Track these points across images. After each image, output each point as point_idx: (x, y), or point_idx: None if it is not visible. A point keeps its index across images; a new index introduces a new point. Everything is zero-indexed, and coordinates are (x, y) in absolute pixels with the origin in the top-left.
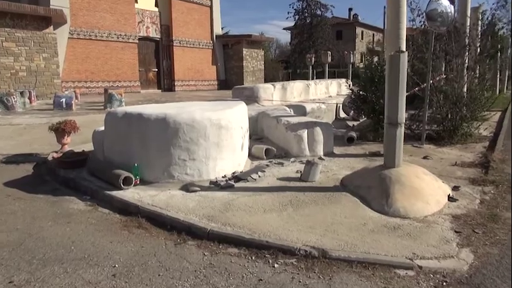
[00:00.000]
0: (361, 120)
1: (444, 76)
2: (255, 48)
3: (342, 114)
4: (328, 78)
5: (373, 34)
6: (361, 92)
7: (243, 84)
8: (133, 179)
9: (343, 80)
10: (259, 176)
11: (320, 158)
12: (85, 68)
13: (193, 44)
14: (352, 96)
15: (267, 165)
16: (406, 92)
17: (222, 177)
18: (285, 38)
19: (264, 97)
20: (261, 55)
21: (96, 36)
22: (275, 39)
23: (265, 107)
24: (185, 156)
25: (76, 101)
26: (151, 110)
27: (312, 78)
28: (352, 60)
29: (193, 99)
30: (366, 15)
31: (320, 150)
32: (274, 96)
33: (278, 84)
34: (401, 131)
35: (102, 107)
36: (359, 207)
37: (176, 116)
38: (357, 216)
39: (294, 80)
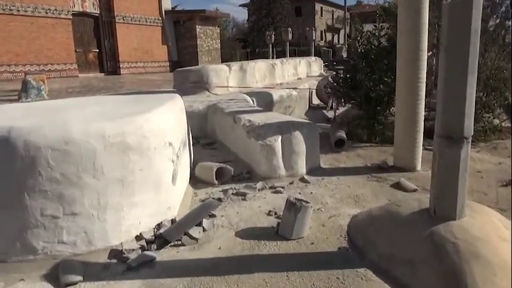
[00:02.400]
0: (340, 109)
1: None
2: (209, 25)
3: (315, 101)
4: (289, 56)
5: (333, 11)
6: (348, 75)
7: (197, 65)
8: None
9: (313, 58)
10: (204, 230)
11: (302, 180)
12: (6, 49)
13: (140, 21)
14: (335, 78)
15: (220, 200)
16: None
17: (137, 238)
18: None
19: (216, 82)
20: (216, 33)
21: (18, 10)
22: (232, 17)
23: (218, 97)
24: (55, 210)
25: None
26: None
27: (273, 58)
28: (314, 38)
29: (140, 83)
30: None
31: (302, 166)
32: (231, 80)
33: (235, 65)
34: (467, 152)
35: (17, 97)
36: None
37: (31, 133)
38: None
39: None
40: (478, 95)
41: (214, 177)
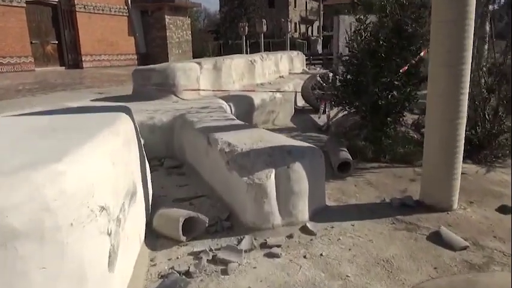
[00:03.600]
0: (328, 112)
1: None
2: (179, 15)
3: (299, 101)
4: (264, 49)
5: (306, 2)
6: (348, 76)
7: (167, 58)
8: None
9: (295, 52)
10: None
11: (305, 230)
12: None
13: (103, 10)
14: (331, 81)
15: (189, 275)
16: None
17: None
18: (215, 7)
19: (185, 85)
20: (187, 24)
21: None
22: (203, 7)
23: (188, 103)
24: None
25: None
26: None
27: (247, 51)
28: (289, 29)
29: (102, 78)
30: None
31: (303, 210)
32: (203, 82)
33: (208, 63)
34: None
35: None
36: None
37: None
38: None
39: (226, 53)
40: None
41: (181, 231)
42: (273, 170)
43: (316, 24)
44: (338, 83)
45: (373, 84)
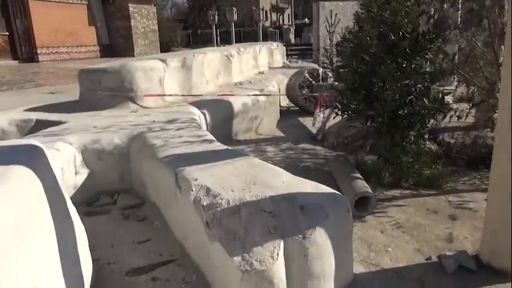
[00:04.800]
0: (324, 118)
1: None
2: (144, 3)
3: (283, 101)
4: (235, 39)
5: None
6: (358, 79)
7: (133, 50)
8: None
9: (275, 44)
10: None
11: None
12: None
13: None
14: (336, 85)
15: None
16: None
17: None
18: None
19: (146, 89)
20: (153, 12)
21: None
22: None
23: (150, 113)
24: None
25: None
26: None
27: (217, 41)
28: (261, 18)
29: (58, 74)
30: None
31: None
32: (169, 83)
33: (175, 60)
34: None
35: None
36: None
37: None
38: None
39: (195, 43)
40: None
41: None
42: (281, 243)
43: (287, 12)
44: (340, 83)
45: (392, 88)
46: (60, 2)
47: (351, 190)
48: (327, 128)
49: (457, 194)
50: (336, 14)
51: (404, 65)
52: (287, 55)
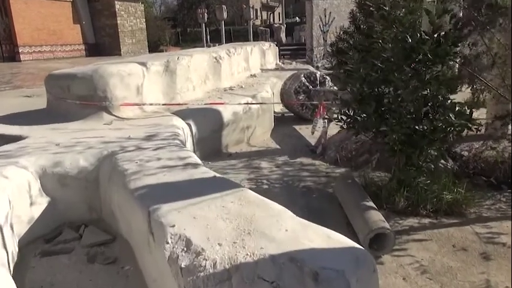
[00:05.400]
0: (325, 128)
1: None
2: (131, 1)
3: (277, 106)
4: (224, 38)
5: None
6: (368, 89)
7: (119, 48)
8: None
9: (267, 44)
10: None
11: None
12: None
13: None
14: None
15: None
16: None
17: None
18: None
19: (123, 97)
20: (140, 10)
21: None
22: None
23: (126, 125)
24: None
25: None
26: None
27: (207, 40)
28: (252, 16)
29: (39, 75)
30: None
31: None
32: (149, 90)
33: (156, 64)
34: None
35: None
36: None
37: None
38: None
39: (184, 42)
40: None
41: None
42: None
43: (278, 10)
44: (345, 93)
45: (408, 100)
46: None
47: (365, 225)
48: (325, 139)
49: (484, 223)
50: (330, 13)
51: (423, 73)
52: (279, 55)
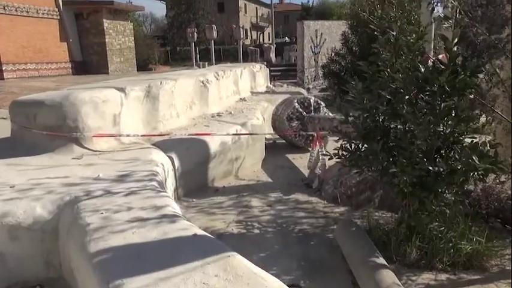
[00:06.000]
0: (315, 156)
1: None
2: (120, 19)
3: (267, 128)
4: (214, 57)
5: (257, 8)
6: (381, 120)
7: (107, 67)
8: None
9: (258, 66)
10: None
11: None
12: None
13: (28, 12)
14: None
15: None
16: None
17: None
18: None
19: (98, 127)
20: (129, 29)
21: None
22: (149, 12)
23: (98, 160)
24: None
25: None
26: None
27: (196, 59)
28: (242, 36)
29: (21, 94)
30: None
31: None
32: (128, 118)
33: (136, 88)
34: None
35: None
36: None
37: None
38: None
39: (174, 61)
40: None
41: None
42: None
43: (267, 30)
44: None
45: (421, 137)
46: (28, 16)
47: (373, 284)
48: (322, 174)
49: (509, 280)
50: (322, 34)
51: (437, 107)
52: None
